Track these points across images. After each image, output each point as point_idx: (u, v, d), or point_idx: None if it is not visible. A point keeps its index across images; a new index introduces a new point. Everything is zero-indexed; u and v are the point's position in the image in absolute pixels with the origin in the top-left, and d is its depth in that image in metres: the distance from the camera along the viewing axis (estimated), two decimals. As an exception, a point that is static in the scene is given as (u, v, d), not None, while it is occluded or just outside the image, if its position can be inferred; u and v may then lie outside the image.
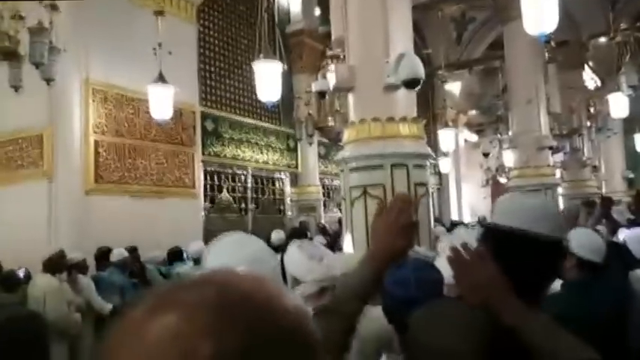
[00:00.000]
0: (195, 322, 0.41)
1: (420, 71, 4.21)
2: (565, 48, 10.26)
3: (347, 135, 4.72)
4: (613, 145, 14.61)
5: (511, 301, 1.11)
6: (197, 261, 5.58)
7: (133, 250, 6.01)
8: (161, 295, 0.45)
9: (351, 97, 4.75)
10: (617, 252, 3.14)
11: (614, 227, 4.92)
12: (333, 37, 5.00)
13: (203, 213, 8.71)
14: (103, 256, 5.85)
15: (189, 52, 8.24)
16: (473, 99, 14.57)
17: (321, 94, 6.24)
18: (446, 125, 11.78)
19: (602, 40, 9.70)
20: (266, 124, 10.41)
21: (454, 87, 12.38)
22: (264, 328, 0.42)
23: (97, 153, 6.88)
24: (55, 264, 4.93)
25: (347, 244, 4.43)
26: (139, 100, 7.25)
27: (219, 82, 9.57)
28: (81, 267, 5.48)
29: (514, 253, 1.21)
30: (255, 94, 6.25)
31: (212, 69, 9.43)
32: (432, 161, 4.82)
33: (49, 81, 5.48)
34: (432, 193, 13.21)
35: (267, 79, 5.42)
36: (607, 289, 2.49)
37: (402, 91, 4.48)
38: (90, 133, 6.85)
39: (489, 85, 14.13)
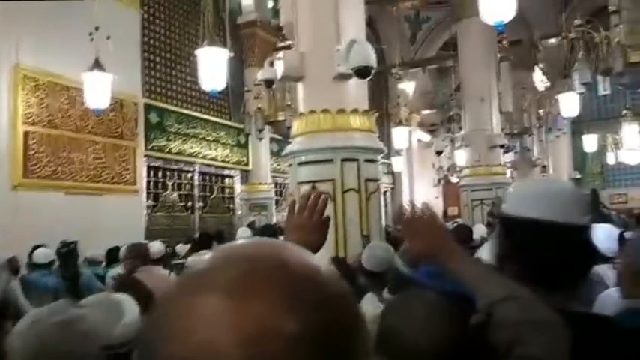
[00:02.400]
0: (272, 303, 0.40)
1: (372, 59, 3.99)
2: (517, 47, 10.33)
3: (296, 127, 4.47)
4: (561, 146, 15.00)
5: (454, 247, 1.13)
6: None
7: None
8: (216, 277, 0.42)
9: (300, 87, 4.50)
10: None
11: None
12: (282, 23, 4.71)
13: (145, 212, 8.27)
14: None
15: (131, 39, 7.77)
16: (426, 98, 14.59)
17: (268, 83, 5.93)
18: (399, 124, 11.67)
19: (553, 41, 9.79)
20: (215, 119, 9.99)
21: (408, 86, 12.33)
22: (331, 300, 0.42)
23: (26, 145, 6.38)
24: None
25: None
26: (74, 89, 6.76)
27: (164, 73, 9.09)
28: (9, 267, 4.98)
29: (545, 246, 1.07)
30: (203, 86, 5.90)
31: (157, 59, 8.95)
32: (385, 160, 4.63)
33: (-32, 64, 5.00)
34: (385, 193, 13.14)
35: (212, 66, 5.07)
36: None
37: (354, 82, 4.27)
38: (19, 123, 6.35)
39: (443, 85, 14.20)
